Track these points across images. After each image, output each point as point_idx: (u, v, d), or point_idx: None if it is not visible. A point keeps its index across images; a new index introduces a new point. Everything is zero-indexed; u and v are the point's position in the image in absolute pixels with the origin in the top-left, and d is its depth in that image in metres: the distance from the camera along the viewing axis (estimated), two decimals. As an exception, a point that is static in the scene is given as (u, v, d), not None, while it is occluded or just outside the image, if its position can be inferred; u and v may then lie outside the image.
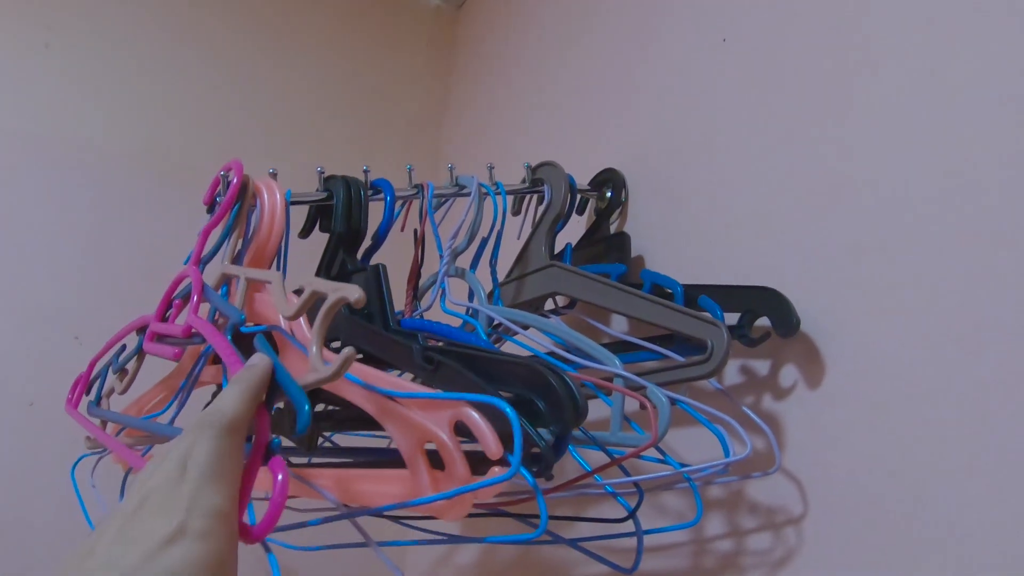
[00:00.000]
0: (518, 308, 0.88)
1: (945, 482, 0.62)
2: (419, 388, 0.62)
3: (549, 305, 0.92)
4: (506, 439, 0.55)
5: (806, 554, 0.72)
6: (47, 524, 1.14)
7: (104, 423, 0.85)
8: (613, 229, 0.96)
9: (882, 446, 0.67)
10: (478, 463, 0.59)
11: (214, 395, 0.93)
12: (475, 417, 0.57)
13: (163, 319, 0.79)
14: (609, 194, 0.95)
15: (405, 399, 0.62)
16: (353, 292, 0.53)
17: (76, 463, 0.90)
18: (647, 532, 0.71)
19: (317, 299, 0.58)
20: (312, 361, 0.56)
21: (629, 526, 0.71)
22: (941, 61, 0.68)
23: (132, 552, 0.39)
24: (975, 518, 0.60)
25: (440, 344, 0.73)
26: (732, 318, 0.76)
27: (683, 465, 0.73)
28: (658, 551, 0.84)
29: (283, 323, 0.70)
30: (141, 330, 0.84)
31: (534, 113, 1.24)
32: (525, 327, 0.79)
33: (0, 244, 1.20)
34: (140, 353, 0.83)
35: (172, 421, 0.80)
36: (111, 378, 0.85)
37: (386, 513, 0.71)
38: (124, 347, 0.85)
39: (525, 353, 0.76)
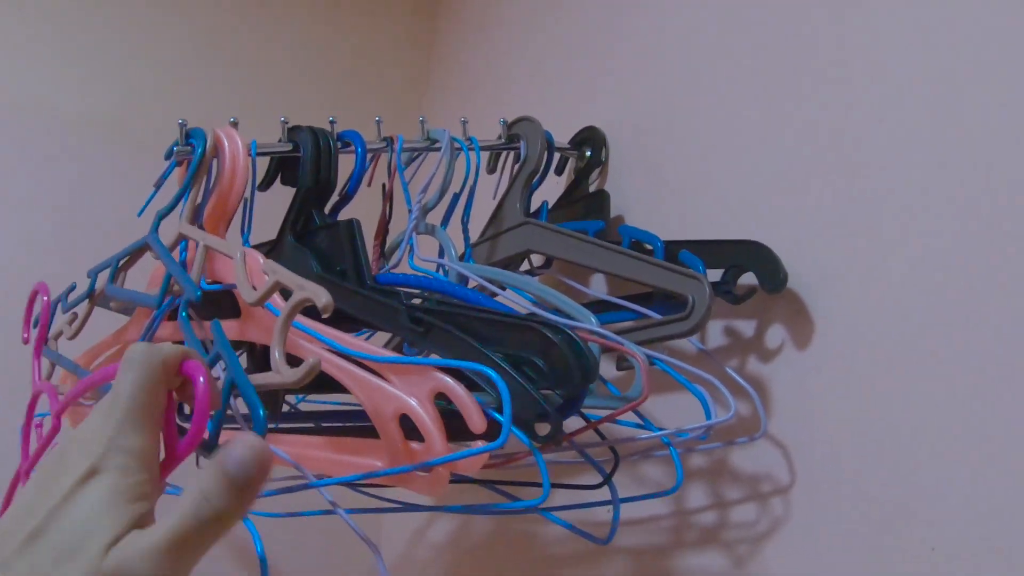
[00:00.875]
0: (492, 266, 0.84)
1: (934, 449, 0.59)
2: (390, 353, 0.59)
3: (524, 266, 0.87)
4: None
5: (793, 524, 0.68)
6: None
7: (53, 366, 0.81)
8: (593, 188, 0.92)
9: (872, 410, 0.64)
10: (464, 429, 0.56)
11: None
12: (457, 390, 0.55)
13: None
14: (589, 153, 0.91)
15: (381, 364, 0.59)
16: (321, 297, 0.50)
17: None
18: (624, 500, 0.67)
19: (280, 288, 0.54)
20: (274, 365, 0.53)
21: (604, 494, 0.67)
22: (934, 9, 0.64)
23: (51, 495, 0.39)
24: (964, 487, 0.56)
25: (422, 301, 0.69)
26: (716, 275, 0.72)
27: (662, 431, 0.69)
28: (636, 524, 0.80)
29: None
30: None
31: (517, 75, 1.19)
32: (502, 287, 0.75)
33: None
34: (91, 296, 0.79)
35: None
36: (60, 319, 0.81)
37: (359, 483, 0.68)
38: (74, 286, 0.81)
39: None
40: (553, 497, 0.82)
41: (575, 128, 0.94)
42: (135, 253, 0.78)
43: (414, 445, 0.57)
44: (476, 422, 0.54)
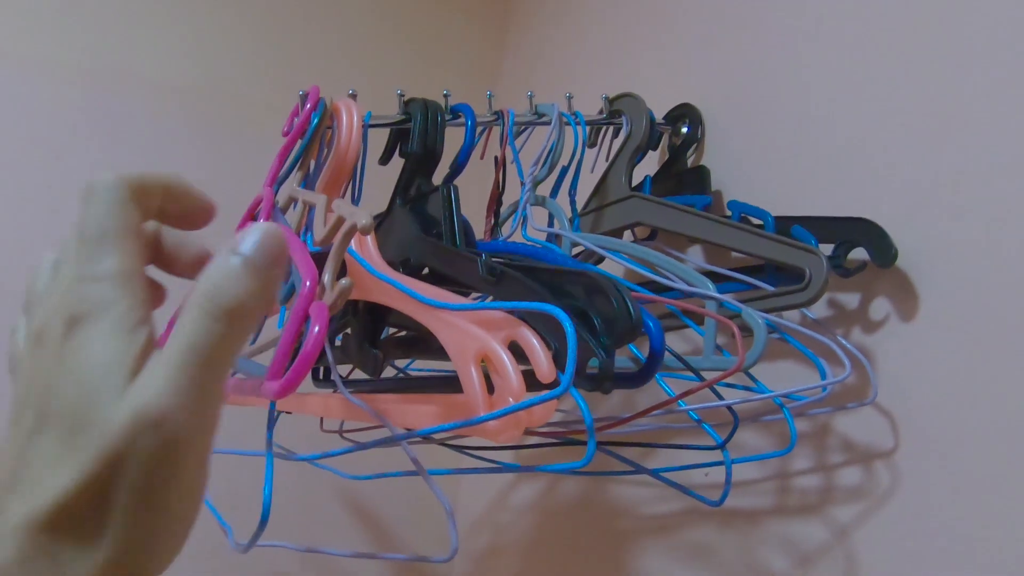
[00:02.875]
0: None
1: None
2: (467, 301, 0.61)
3: (627, 237, 0.90)
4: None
5: (899, 489, 0.70)
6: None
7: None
8: (690, 164, 0.94)
9: (977, 381, 0.66)
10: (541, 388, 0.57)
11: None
12: (528, 336, 0.55)
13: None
14: (686, 129, 0.93)
15: (460, 311, 0.60)
16: (362, 218, 0.53)
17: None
18: (736, 461, 0.70)
19: (343, 223, 0.56)
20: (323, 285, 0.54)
21: (714, 455, 0.70)
22: None
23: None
24: None
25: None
26: (826, 249, 0.74)
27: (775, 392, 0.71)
28: (740, 486, 0.83)
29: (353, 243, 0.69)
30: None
31: (601, 42, 1.21)
32: (609, 251, 0.78)
33: (59, 178, 1.18)
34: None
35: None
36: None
37: (436, 436, 0.70)
38: None
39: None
40: (656, 458, 0.86)
41: (664, 102, 0.96)
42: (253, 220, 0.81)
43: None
44: (544, 370, 0.54)
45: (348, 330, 0.87)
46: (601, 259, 0.86)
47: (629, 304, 0.57)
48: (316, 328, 0.48)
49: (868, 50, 0.79)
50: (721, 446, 0.69)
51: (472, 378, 0.57)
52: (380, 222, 0.81)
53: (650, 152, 0.93)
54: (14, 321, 0.40)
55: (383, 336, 0.83)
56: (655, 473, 0.74)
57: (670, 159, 0.94)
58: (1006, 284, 0.65)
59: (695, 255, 0.91)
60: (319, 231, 0.73)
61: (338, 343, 0.88)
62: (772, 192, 0.85)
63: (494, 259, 0.67)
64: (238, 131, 1.28)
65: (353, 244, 0.69)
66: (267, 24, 1.36)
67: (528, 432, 0.60)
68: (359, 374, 0.81)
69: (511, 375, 0.55)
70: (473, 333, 0.58)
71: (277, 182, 0.79)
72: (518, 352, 0.56)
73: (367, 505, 1.29)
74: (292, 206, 0.77)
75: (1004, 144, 0.67)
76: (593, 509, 1.03)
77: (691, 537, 0.88)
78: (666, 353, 0.69)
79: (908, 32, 0.76)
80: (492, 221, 0.84)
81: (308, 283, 0.52)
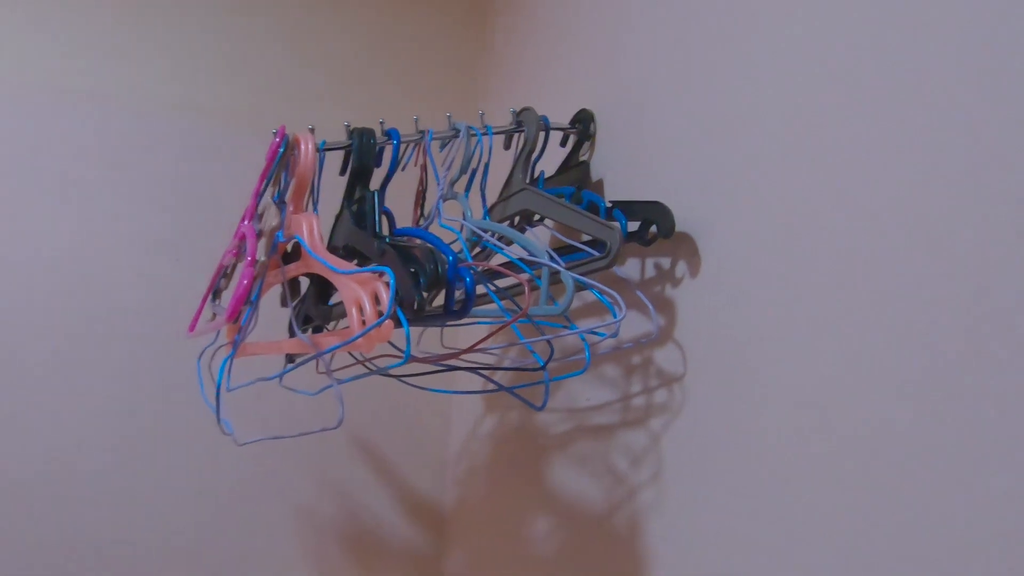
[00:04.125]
0: (503, 222, 1.13)
1: (789, 344, 0.83)
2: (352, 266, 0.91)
3: (537, 218, 1.16)
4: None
5: (687, 405, 0.94)
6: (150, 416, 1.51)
7: (214, 315, 1.18)
8: (587, 157, 1.19)
9: (740, 320, 0.88)
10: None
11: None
12: (380, 288, 0.85)
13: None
14: (583, 128, 1.18)
15: (346, 275, 0.89)
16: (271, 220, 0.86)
17: (200, 355, 1.23)
18: (554, 380, 0.96)
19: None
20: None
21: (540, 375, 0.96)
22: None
23: None
24: (797, 354, 0.81)
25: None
26: (634, 225, 0.98)
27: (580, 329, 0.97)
28: (604, 406, 1.08)
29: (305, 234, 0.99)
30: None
31: (557, 55, 1.46)
32: (490, 233, 1.05)
33: (125, 190, 1.52)
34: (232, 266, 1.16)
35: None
36: (222, 281, 1.18)
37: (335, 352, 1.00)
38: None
39: (500, 259, 1.03)
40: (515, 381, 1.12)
41: (575, 108, 1.21)
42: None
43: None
44: (382, 307, 0.84)
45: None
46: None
47: (439, 265, 0.86)
48: (245, 283, 0.80)
49: (691, 67, 1.02)
50: (543, 367, 0.95)
51: (353, 316, 0.88)
52: (337, 218, 1.11)
53: (559, 148, 1.18)
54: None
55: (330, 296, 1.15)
56: (510, 390, 1.01)
57: (568, 156, 1.18)
58: (760, 251, 0.87)
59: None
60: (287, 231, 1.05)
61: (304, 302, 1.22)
62: (629, 181, 1.09)
63: (391, 241, 0.96)
64: (254, 144, 1.53)
65: (305, 236, 1.00)
66: (250, 44, 1.65)
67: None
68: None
69: (368, 311, 0.85)
70: (353, 287, 0.89)
71: (259, 195, 1.10)
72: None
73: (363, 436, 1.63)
74: (267, 211, 1.09)
75: (762, 142, 0.88)
76: (523, 434, 1.30)
77: (576, 449, 1.14)
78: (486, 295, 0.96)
79: (709, 48, 0.98)
80: (418, 213, 1.13)
81: (249, 257, 0.84)
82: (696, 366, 0.93)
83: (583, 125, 1.18)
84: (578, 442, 1.14)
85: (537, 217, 1.16)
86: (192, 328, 1.23)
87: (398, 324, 0.84)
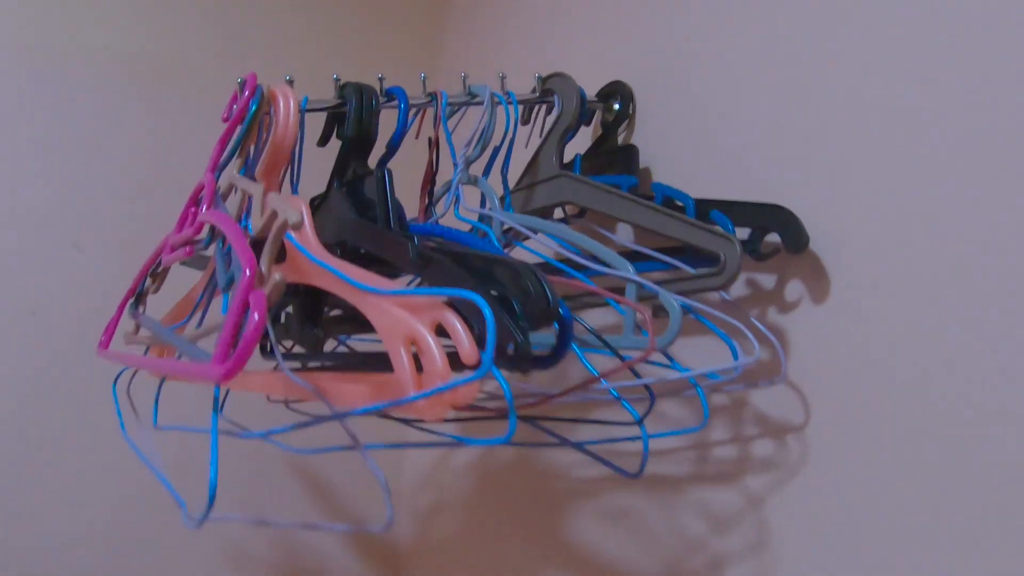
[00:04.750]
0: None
1: (945, 395, 0.66)
2: (397, 286, 0.62)
3: (558, 214, 0.93)
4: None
5: (808, 462, 0.75)
6: (51, 430, 1.17)
7: (137, 327, 0.87)
8: (620, 141, 0.97)
9: (883, 363, 0.70)
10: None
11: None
12: (452, 320, 0.57)
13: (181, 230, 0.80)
14: (617, 106, 0.96)
15: (388, 296, 0.62)
16: (292, 215, 0.58)
17: (116, 378, 0.91)
18: (654, 436, 0.74)
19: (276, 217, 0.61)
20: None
21: (633, 431, 0.74)
22: None
23: None
24: (974, 427, 0.64)
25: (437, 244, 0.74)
26: (742, 233, 0.78)
27: (690, 371, 0.76)
28: (662, 454, 0.87)
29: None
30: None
31: (540, 21, 1.23)
32: (535, 232, 0.81)
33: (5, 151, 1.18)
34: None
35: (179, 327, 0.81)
36: (148, 281, 0.87)
37: (369, 414, 0.73)
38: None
39: (533, 259, 0.78)
40: (582, 431, 0.90)
41: (599, 78, 0.99)
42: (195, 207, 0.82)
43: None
44: (467, 351, 0.55)
45: (290, 309, 0.90)
46: (527, 237, 0.89)
47: (547, 289, 0.60)
48: (256, 316, 0.52)
49: (792, 40, 0.82)
50: (639, 422, 0.73)
51: (401, 359, 0.60)
52: (318, 204, 0.83)
53: (583, 128, 0.96)
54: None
55: (323, 315, 0.86)
56: (579, 445, 0.78)
57: (601, 136, 0.96)
58: (912, 275, 0.69)
59: (625, 232, 0.94)
60: (256, 219, 0.76)
61: (282, 321, 0.91)
62: (695, 173, 0.89)
63: (425, 243, 0.70)
64: (181, 102, 1.29)
65: (262, 212, 0.71)
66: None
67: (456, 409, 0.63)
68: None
69: (436, 358, 0.57)
70: (400, 317, 0.61)
71: (218, 168, 0.81)
72: (444, 334, 0.60)
73: (316, 475, 1.33)
74: (233, 192, 0.80)
75: (911, 139, 0.70)
76: (528, 471, 1.08)
77: (615, 500, 0.93)
78: (586, 332, 0.73)
79: (834, 25, 0.79)
80: (426, 201, 0.87)
81: (248, 272, 0.55)
82: (822, 415, 0.75)
83: (621, 101, 0.96)
84: (617, 491, 0.93)
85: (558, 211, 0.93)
86: (105, 345, 0.90)
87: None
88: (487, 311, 0.55)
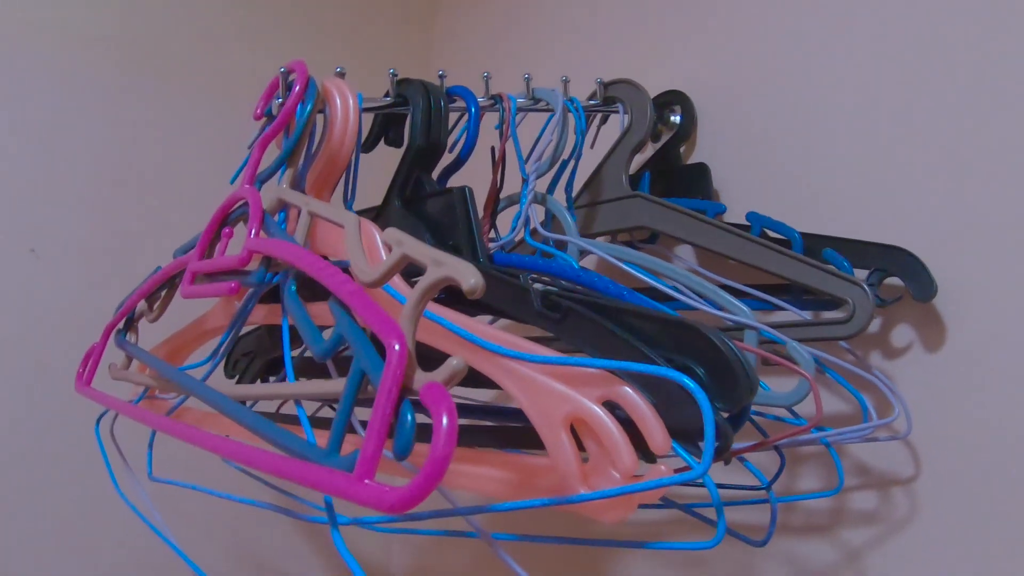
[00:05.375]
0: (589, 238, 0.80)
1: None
2: (549, 352, 0.52)
3: (622, 237, 0.84)
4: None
5: (917, 518, 0.71)
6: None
7: (129, 360, 0.71)
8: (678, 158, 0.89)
9: (1004, 419, 0.66)
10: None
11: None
12: (637, 400, 0.47)
13: (207, 255, 0.65)
14: (677, 119, 0.87)
15: (538, 364, 0.50)
16: (468, 276, 0.41)
17: (100, 418, 0.76)
18: (782, 500, 0.68)
19: (408, 264, 0.46)
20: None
21: (760, 493, 0.67)
22: None
23: None
24: None
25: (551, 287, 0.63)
26: (858, 275, 0.71)
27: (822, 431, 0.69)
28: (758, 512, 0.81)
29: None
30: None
31: (560, 16, 1.12)
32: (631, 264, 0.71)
33: None
34: (171, 284, 0.70)
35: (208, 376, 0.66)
36: (141, 304, 0.71)
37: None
38: (158, 269, 0.71)
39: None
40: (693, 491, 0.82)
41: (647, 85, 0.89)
42: (223, 225, 0.68)
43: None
44: (659, 441, 0.47)
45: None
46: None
47: (745, 363, 0.51)
48: (445, 421, 0.38)
49: (895, 49, 0.75)
50: (767, 487, 0.66)
51: (564, 446, 0.49)
52: (372, 220, 0.70)
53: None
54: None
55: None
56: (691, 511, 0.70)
57: (660, 153, 0.87)
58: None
59: (684, 254, 0.86)
60: (312, 243, 0.63)
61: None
62: (774, 203, 0.81)
63: (547, 288, 0.59)
64: (155, 88, 1.12)
65: (367, 252, 0.57)
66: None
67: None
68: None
69: (622, 447, 0.47)
70: (560, 392, 0.50)
71: (259, 179, 0.66)
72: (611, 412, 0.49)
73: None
74: (280, 212, 0.65)
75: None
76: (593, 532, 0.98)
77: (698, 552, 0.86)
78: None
79: (944, 53, 0.73)
80: (489, 222, 0.75)
81: (397, 347, 0.42)
82: (934, 469, 0.70)
83: (683, 115, 0.87)
84: (686, 538, 0.85)
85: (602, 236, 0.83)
86: (87, 380, 0.74)
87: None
88: (703, 400, 0.46)
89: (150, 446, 0.75)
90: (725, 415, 0.53)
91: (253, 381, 0.81)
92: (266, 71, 0.68)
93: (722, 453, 0.50)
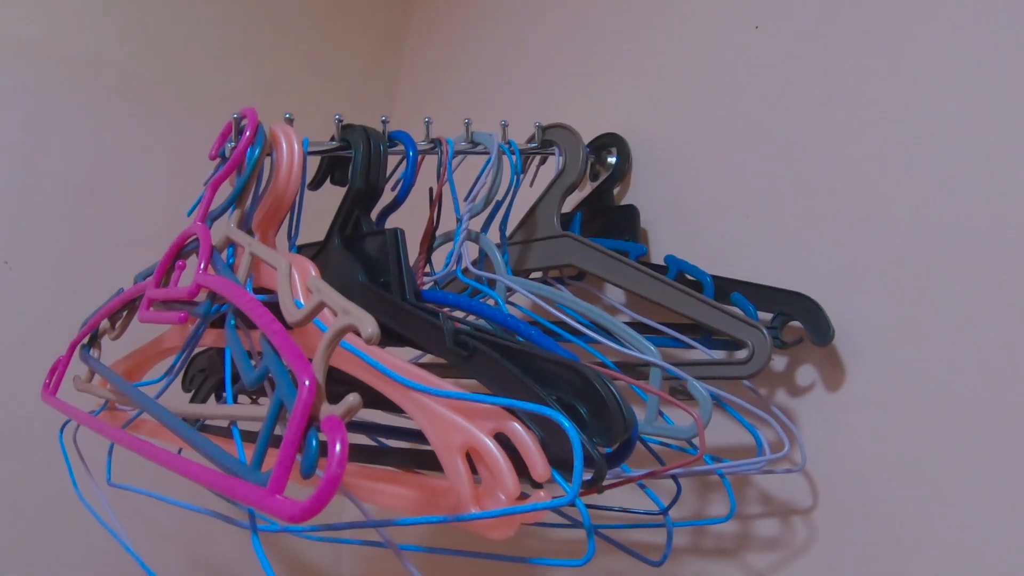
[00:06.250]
0: (521, 275, 0.86)
1: (955, 496, 0.67)
2: (450, 386, 0.57)
3: (553, 273, 0.90)
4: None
5: (814, 545, 0.76)
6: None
7: (92, 374, 0.77)
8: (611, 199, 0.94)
9: (898, 457, 0.71)
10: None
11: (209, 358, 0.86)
12: (522, 434, 0.54)
13: (162, 284, 0.72)
14: (613, 160, 0.93)
15: (439, 397, 0.56)
16: (367, 325, 0.47)
17: (63, 426, 0.82)
18: (678, 525, 0.73)
19: (324, 309, 0.53)
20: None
21: (658, 518, 0.73)
22: (984, 63, 0.70)
23: None
24: (979, 529, 0.66)
25: (465, 326, 0.69)
26: (762, 317, 0.77)
27: (712, 457, 0.75)
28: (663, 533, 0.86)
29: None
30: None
31: (509, 63, 1.18)
32: (550, 302, 0.77)
33: None
34: (132, 306, 0.76)
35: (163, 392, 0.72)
36: (104, 323, 0.78)
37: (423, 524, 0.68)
38: (121, 290, 0.77)
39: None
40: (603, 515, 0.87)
41: (583, 129, 0.95)
42: (177, 257, 0.74)
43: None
44: (540, 470, 0.53)
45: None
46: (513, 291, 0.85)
47: (621, 404, 0.57)
48: (338, 448, 0.45)
49: (807, 121, 0.82)
50: (664, 512, 0.71)
51: (459, 471, 0.55)
52: (313, 257, 0.76)
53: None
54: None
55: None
56: (603, 536, 0.76)
57: (596, 193, 0.93)
58: (931, 370, 0.70)
59: (613, 290, 0.92)
60: (256, 277, 0.69)
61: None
62: (695, 243, 0.87)
63: (459, 327, 0.65)
64: (128, 109, 1.19)
65: (293, 295, 0.64)
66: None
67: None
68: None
69: (506, 474, 0.53)
70: (457, 423, 0.56)
71: (210, 217, 0.72)
72: (501, 440, 0.55)
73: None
74: (227, 249, 0.71)
75: (935, 233, 0.71)
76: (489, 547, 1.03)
77: (602, 567, 0.92)
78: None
79: (846, 110, 0.79)
80: (424, 258, 0.81)
81: (307, 383, 0.48)
82: (831, 500, 0.76)
83: (619, 156, 0.93)
84: (603, 560, 0.91)
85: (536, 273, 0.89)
86: (52, 390, 0.80)
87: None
88: (574, 436, 0.51)
89: (109, 454, 0.81)
90: (608, 449, 0.58)
91: (207, 396, 0.87)
92: (236, 93, 0.74)
93: (595, 483, 0.56)
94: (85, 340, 0.83)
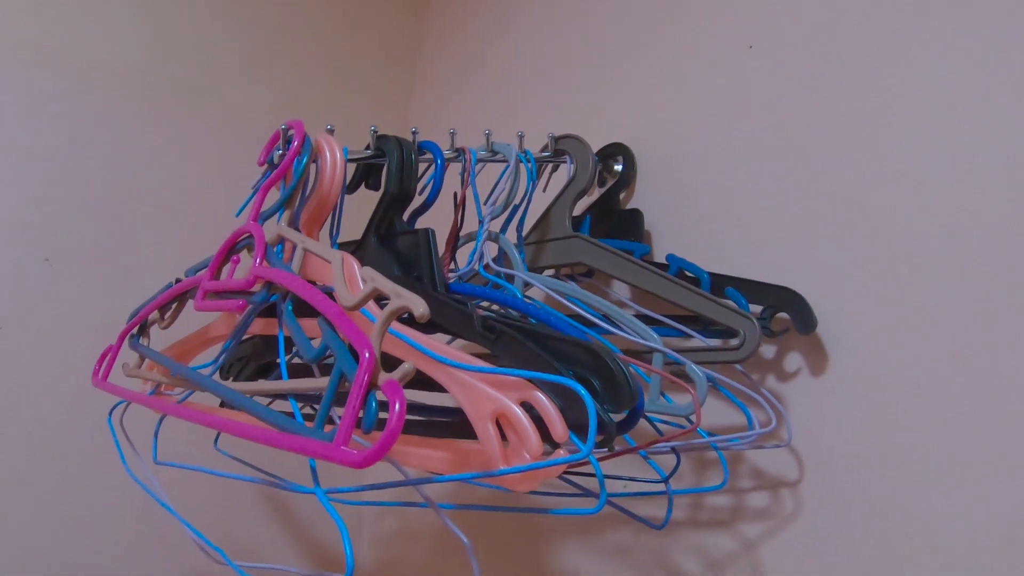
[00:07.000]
0: (536, 272, 0.95)
1: (923, 469, 0.76)
2: (481, 363, 0.65)
3: (564, 270, 0.98)
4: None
5: (801, 514, 0.85)
6: (14, 447, 1.13)
7: (141, 360, 0.86)
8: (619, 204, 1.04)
9: (875, 435, 0.80)
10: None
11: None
12: (544, 401, 0.61)
13: (216, 276, 0.80)
14: (619, 167, 1.02)
15: (473, 372, 0.65)
16: (418, 306, 0.55)
17: (112, 410, 0.90)
18: (678, 492, 0.82)
19: (377, 295, 0.61)
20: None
21: (659, 486, 0.82)
22: (968, 86, 0.78)
23: None
24: (946, 488, 0.74)
25: (489, 313, 0.77)
26: (752, 309, 0.86)
27: (708, 433, 0.83)
28: (658, 497, 0.95)
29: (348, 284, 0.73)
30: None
31: (520, 77, 1.27)
32: (563, 295, 0.86)
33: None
34: (182, 298, 0.85)
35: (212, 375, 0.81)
36: (154, 314, 0.86)
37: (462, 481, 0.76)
38: (170, 284, 0.85)
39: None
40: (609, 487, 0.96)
41: (591, 139, 1.04)
42: (229, 253, 0.82)
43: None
44: (559, 431, 0.60)
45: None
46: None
47: (628, 377, 0.66)
48: (398, 406, 0.53)
49: (797, 132, 0.91)
50: (665, 480, 0.80)
51: (490, 435, 0.64)
52: (352, 253, 0.85)
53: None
54: None
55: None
56: (611, 503, 0.85)
57: (603, 197, 1.02)
58: (903, 359, 0.79)
59: (619, 286, 1.01)
60: (303, 272, 0.77)
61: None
62: (694, 243, 0.96)
63: (487, 313, 0.74)
64: (164, 116, 1.28)
65: (348, 284, 0.72)
66: (199, 13, 1.34)
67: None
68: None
69: (531, 435, 0.62)
70: (489, 394, 0.65)
71: (261, 216, 0.81)
72: (525, 408, 0.64)
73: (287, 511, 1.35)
74: (278, 245, 0.80)
75: (914, 239, 0.80)
76: (508, 502, 1.12)
77: (609, 538, 1.01)
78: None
79: (834, 123, 0.88)
80: (450, 256, 0.90)
81: (368, 354, 0.56)
82: (816, 474, 0.84)
83: (625, 164, 1.02)
84: (610, 531, 1.00)
85: (551, 271, 0.98)
86: (104, 376, 0.88)
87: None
88: (589, 402, 0.60)
89: (155, 434, 0.89)
90: (618, 416, 0.67)
91: (249, 380, 0.96)
92: (261, 103, 0.82)
93: (606, 442, 0.65)
94: (135, 330, 0.91)
